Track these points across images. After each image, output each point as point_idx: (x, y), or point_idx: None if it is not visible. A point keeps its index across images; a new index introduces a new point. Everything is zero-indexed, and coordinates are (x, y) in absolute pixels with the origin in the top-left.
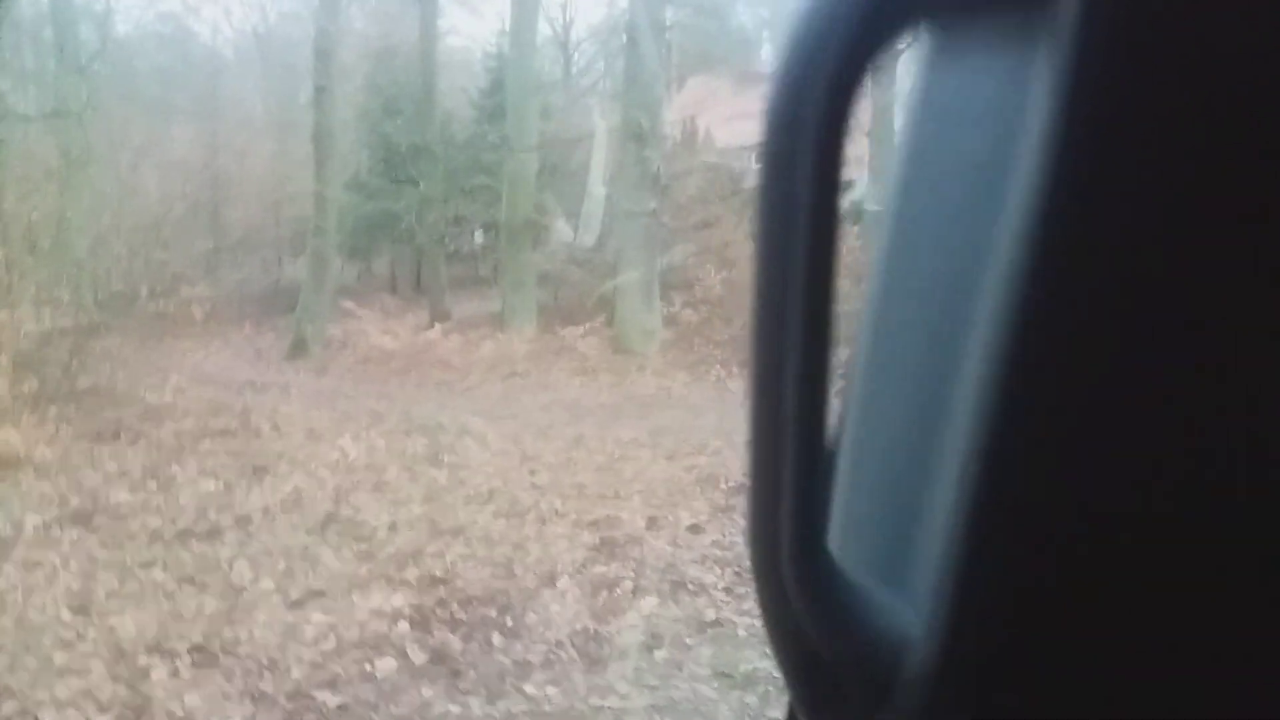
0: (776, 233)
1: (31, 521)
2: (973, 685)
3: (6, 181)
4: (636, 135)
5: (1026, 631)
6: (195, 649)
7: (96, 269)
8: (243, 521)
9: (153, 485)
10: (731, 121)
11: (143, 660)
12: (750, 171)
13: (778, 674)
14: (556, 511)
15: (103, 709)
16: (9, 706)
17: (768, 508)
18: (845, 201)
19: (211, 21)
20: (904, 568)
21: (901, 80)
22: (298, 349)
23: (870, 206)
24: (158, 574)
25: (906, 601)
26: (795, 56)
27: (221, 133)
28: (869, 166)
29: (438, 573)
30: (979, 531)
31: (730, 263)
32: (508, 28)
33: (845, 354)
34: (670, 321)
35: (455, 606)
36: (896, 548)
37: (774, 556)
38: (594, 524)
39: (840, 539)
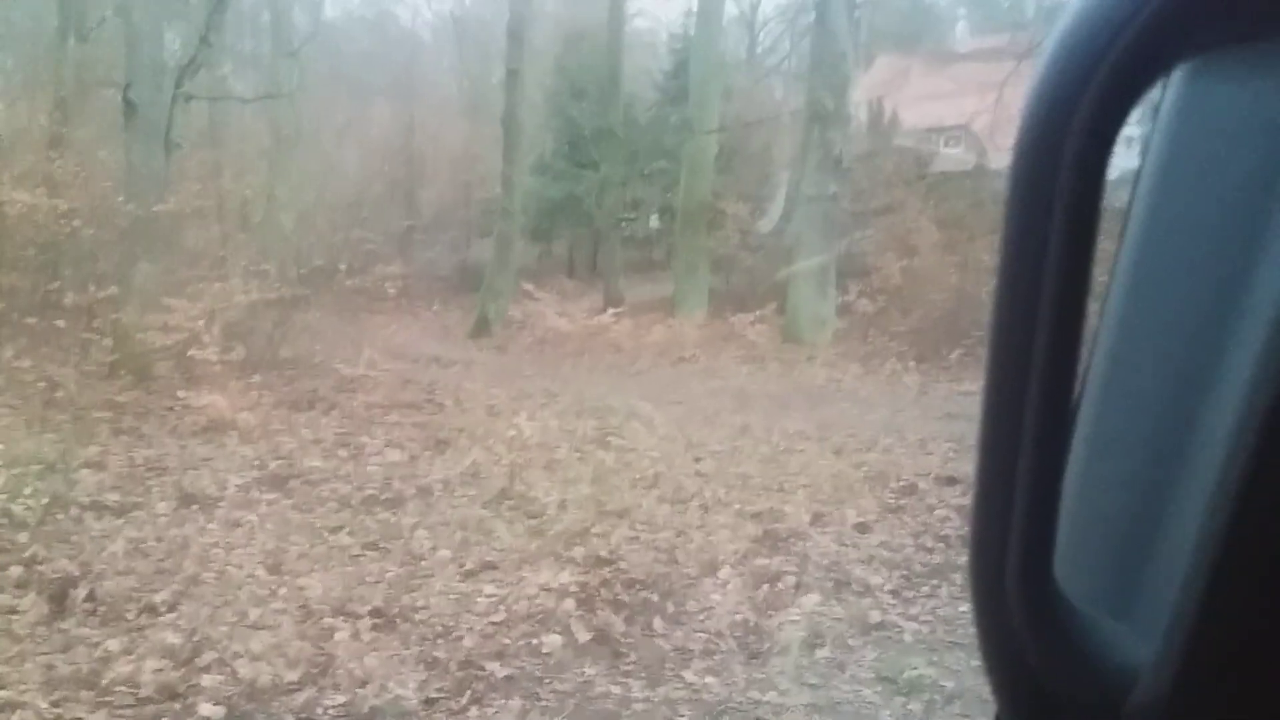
0: (1023, 267)
1: (234, 482)
2: (1202, 715)
3: (224, 160)
4: (820, 116)
5: (1262, 673)
6: (375, 613)
7: (300, 244)
8: (424, 492)
9: (343, 453)
10: (920, 103)
11: (327, 621)
12: (937, 155)
13: (943, 683)
14: (720, 500)
15: (291, 665)
16: (208, 656)
17: (995, 532)
18: None
19: (412, 5)
20: (1131, 598)
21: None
22: (481, 327)
23: None
24: (344, 538)
25: (1133, 632)
26: (1052, 90)
27: (417, 114)
28: None
29: (603, 553)
30: (1225, 570)
31: (911, 250)
32: (694, 8)
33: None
34: (845, 311)
35: (619, 588)
36: (1123, 578)
37: (998, 580)
38: (757, 516)
39: (1063, 566)
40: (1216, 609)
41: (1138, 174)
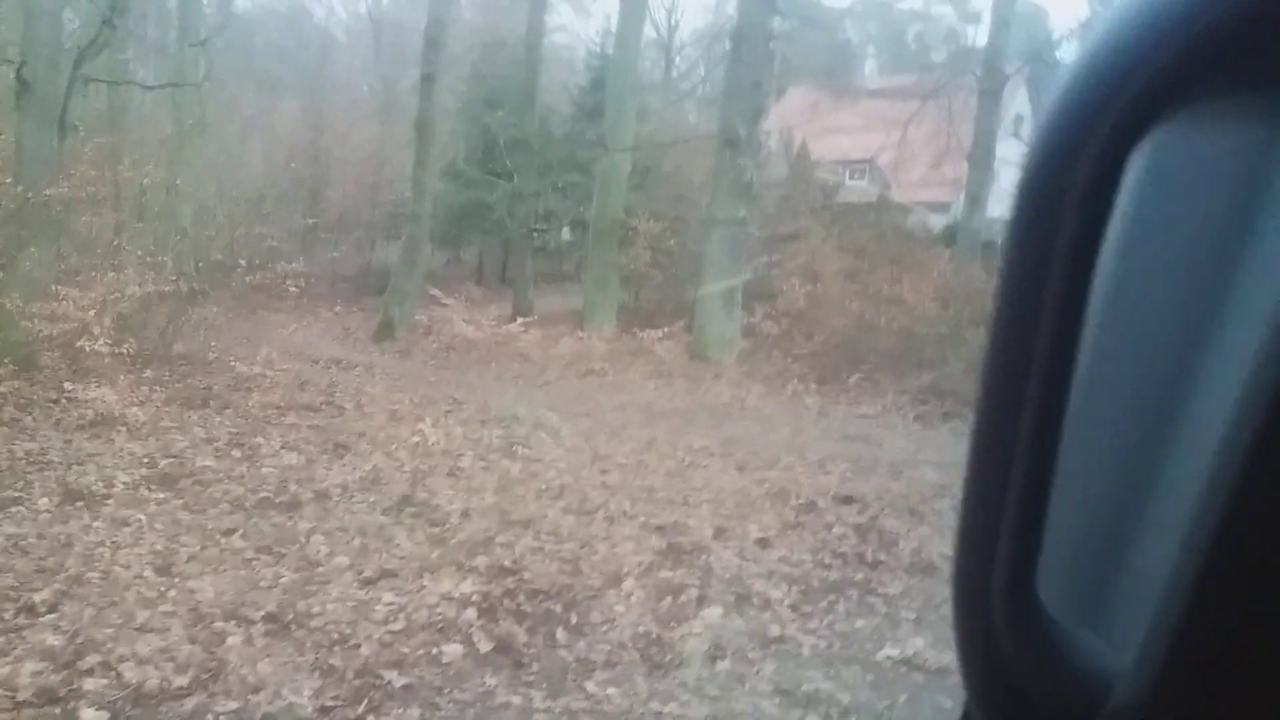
0: (1021, 298)
1: (122, 479)
2: None
3: (123, 146)
4: (732, 142)
5: (1238, 685)
6: (269, 618)
7: (199, 237)
8: (321, 496)
9: (237, 454)
10: (828, 135)
11: (219, 625)
12: (842, 186)
13: (839, 696)
14: (625, 513)
15: (180, 669)
16: (92, 659)
17: (982, 545)
18: (943, 222)
19: (326, 3)
20: (1107, 609)
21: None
22: (384, 331)
23: (966, 229)
24: (238, 541)
25: (1110, 642)
26: (1057, 136)
27: (327, 112)
28: (966, 190)
29: (506, 563)
30: (1205, 584)
31: (816, 277)
32: (613, 28)
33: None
34: (750, 331)
35: (522, 598)
36: (1099, 589)
37: (983, 591)
38: (661, 529)
39: (1042, 578)
40: (1195, 621)
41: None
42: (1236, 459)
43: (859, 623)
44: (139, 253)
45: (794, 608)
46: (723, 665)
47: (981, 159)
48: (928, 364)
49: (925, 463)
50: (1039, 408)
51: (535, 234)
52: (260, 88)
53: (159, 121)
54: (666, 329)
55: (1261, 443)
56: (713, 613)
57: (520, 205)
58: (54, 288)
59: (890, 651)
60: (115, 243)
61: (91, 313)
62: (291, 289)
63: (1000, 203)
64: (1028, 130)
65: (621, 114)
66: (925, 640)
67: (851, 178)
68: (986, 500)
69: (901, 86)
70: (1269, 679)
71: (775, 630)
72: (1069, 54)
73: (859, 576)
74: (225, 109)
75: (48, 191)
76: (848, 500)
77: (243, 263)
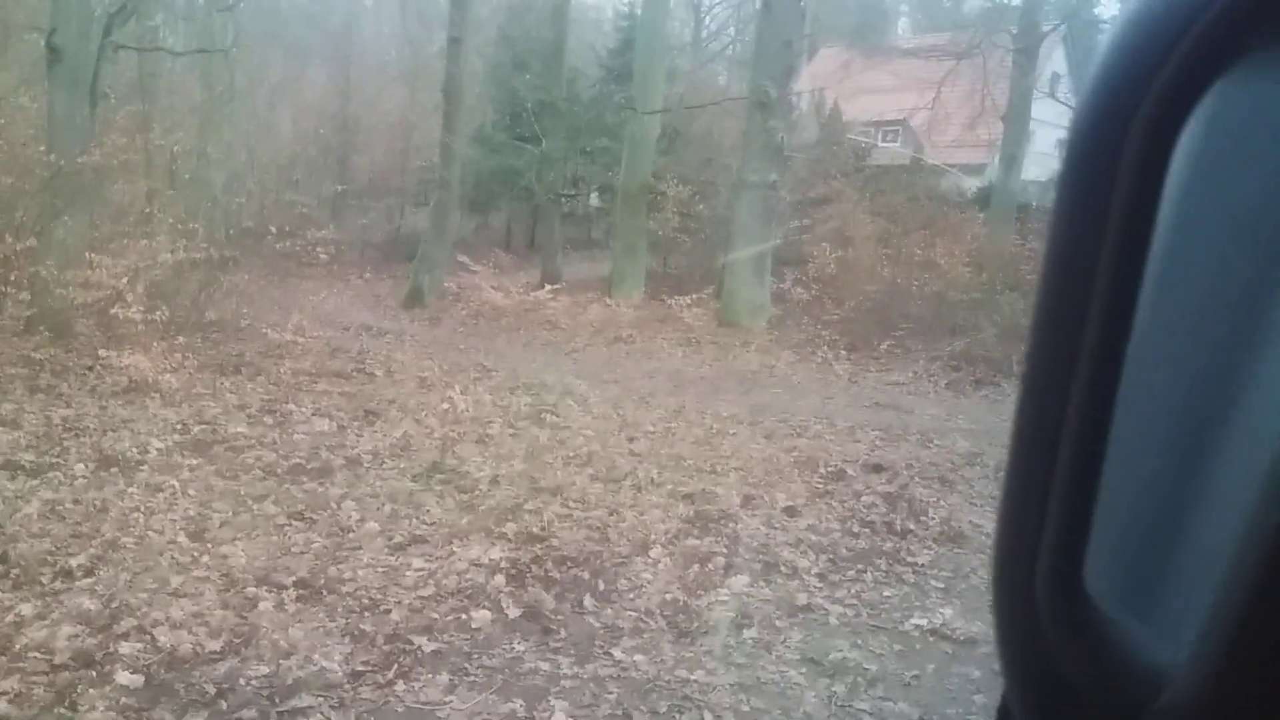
0: (1074, 266)
1: (155, 446)
2: None
3: (153, 114)
4: (763, 104)
5: None
6: (301, 584)
7: (230, 204)
8: (352, 463)
9: (269, 421)
10: (861, 95)
11: (251, 590)
12: (875, 148)
13: (866, 666)
14: (653, 480)
15: (213, 634)
16: (127, 623)
17: (1026, 532)
18: (978, 184)
19: None
20: (1160, 602)
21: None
22: (414, 298)
23: (1001, 191)
24: (270, 507)
25: (1162, 635)
26: (1116, 81)
27: (355, 77)
28: (1000, 152)
29: (535, 530)
30: (1267, 576)
31: (847, 241)
32: None
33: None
34: (780, 298)
35: (550, 564)
36: (1151, 581)
37: (1027, 581)
38: (689, 497)
39: (1090, 567)
40: (1257, 614)
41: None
42: None
43: (887, 592)
44: (170, 220)
45: (821, 576)
46: (749, 633)
47: (1017, 120)
48: (960, 330)
49: (956, 430)
50: (1088, 386)
51: (563, 200)
52: (289, 53)
53: (188, 88)
54: (695, 295)
55: None
56: (740, 581)
57: (548, 170)
58: (87, 255)
59: (918, 621)
60: (147, 210)
61: (124, 280)
62: (322, 256)
63: (1036, 164)
64: (1064, 90)
65: (650, 76)
66: (953, 610)
67: (884, 139)
68: (1031, 483)
69: (935, 45)
70: None
71: (803, 599)
72: (1110, 9)
73: (888, 545)
74: (254, 75)
75: (81, 159)
76: (877, 468)
77: (273, 230)
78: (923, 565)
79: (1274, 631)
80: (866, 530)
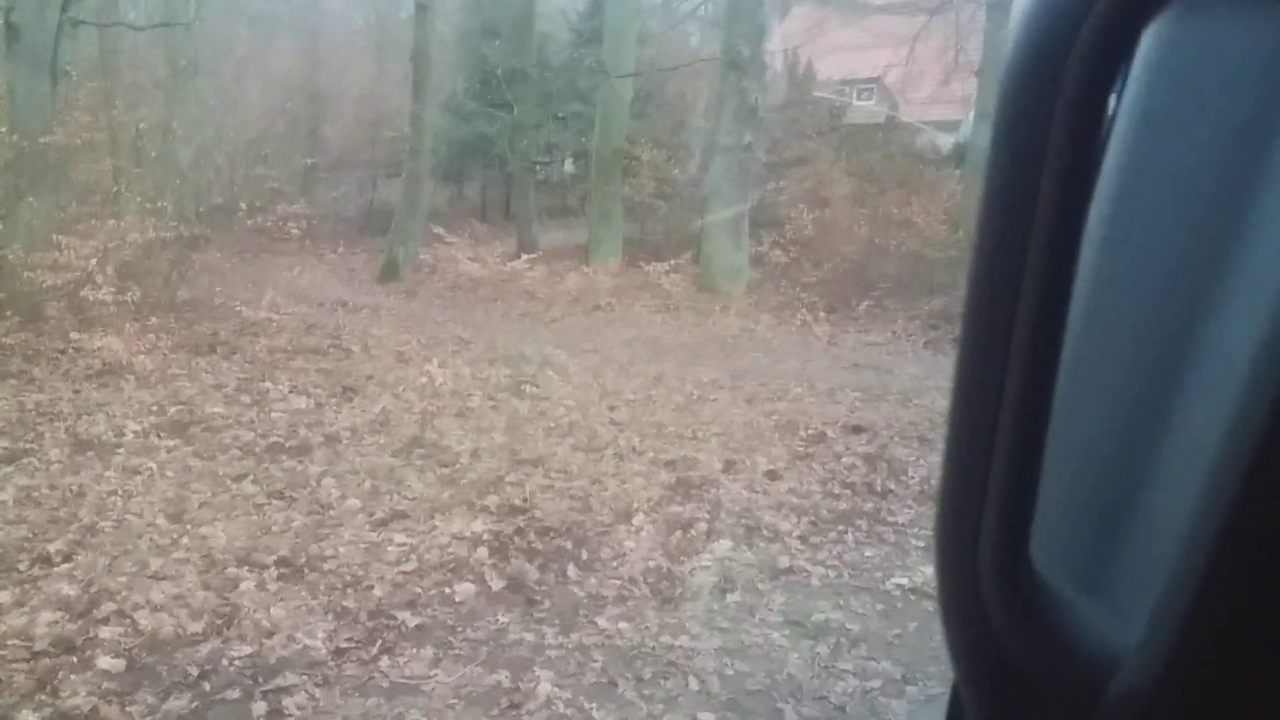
0: (1010, 221)
1: (131, 428)
2: (1192, 705)
3: (116, 90)
4: (736, 65)
5: (1254, 661)
6: (282, 562)
7: (199, 181)
8: (331, 440)
9: (246, 400)
10: (834, 54)
11: (232, 570)
12: (850, 107)
13: (849, 626)
14: (634, 449)
15: (194, 616)
16: (107, 608)
17: (967, 507)
18: (953, 141)
19: None
20: (1111, 580)
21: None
22: (389, 271)
23: (976, 147)
24: (249, 487)
25: (1113, 615)
26: (1048, 20)
27: (322, 49)
28: (975, 107)
29: (517, 502)
30: (1223, 553)
31: (823, 202)
32: None
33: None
34: (758, 261)
35: (533, 536)
36: (1102, 558)
37: (969, 559)
38: (671, 464)
39: (1038, 544)
40: (1211, 593)
41: (1109, 123)
42: (1262, 405)
43: (868, 552)
44: (138, 199)
45: (803, 539)
46: (733, 597)
47: (991, 74)
48: (938, 288)
49: (935, 389)
50: (1029, 345)
51: (537, 167)
52: (253, 25)
53: (152, 64)
54: (673, 261)
55: (1276, 404)
56: (722, 546)
57: (521, 138)
58: (55, 237)
59: (900, 580)
60: (114, 189)
61: (94, 261)
62: (294, 231)
63: None
64: None
65: (621, 39)
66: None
67: (859, 98)
68: (972, 450)
69: (908, 1)
70: None
71: (785, 561)
72: None
73: (868, 506)
74: (219, 49)
75: (43, 139)
76: (857, 430)
77: (243, 205)
78: (903, 525)
79: (1228, 610)
80: (847, 491)
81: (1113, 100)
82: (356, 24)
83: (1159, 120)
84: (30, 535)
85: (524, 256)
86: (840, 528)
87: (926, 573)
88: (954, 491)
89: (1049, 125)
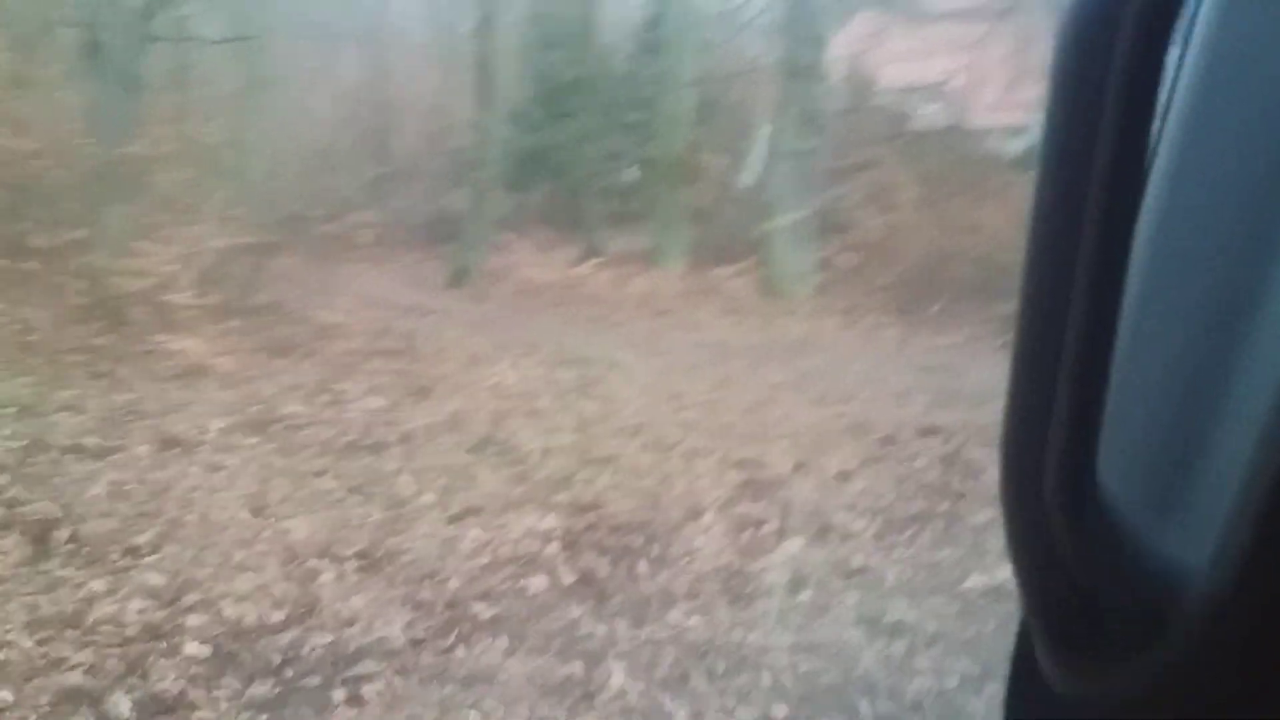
0: (1069, 158)
1: (214, 426)
2: (1261, 624)
3: (192, 103)
4: (798, 72)
5: None
6: (360, 555)
7: (272, 190)
8: (406, 438)
9: (323, 399)
10: (897, 60)
11: (312, 563)
12: (914, 113)
13: (924, 626)
14: (702, 449)
15: (277, 605)
16: (193, 596)
17: (1033, 427)
18: (1021, 146)
19: None
20: (1180, 500)
21: None
22: (458, 277)
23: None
24: (328, 483)
25: (1182, 534)
26: None
27: (389, 60)
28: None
29: (587, 499)
30: None
31: (890, 207)
32: None
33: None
34: (825, 265)
35: (604, 532)
36: (1171, 479)
37: (1035, 480)
38: (739, 464)
39: (1105, 463)
40: (1277, 508)
41: (1171, 84)
42: None
43: (944, 553)
44: (215, 207)
45: (877, 538)
46: (805, 596)
47: None
48: (1009, 292)
49: None
50: (1094, 264)
51: (601, 175)
52: (322, 39)
53: (226, 77)
54: (738, 266)
55: None
56: (793, 545)
57: (585, 146)
58: (137, 244)
59: (976, 581)
60: (191, 199)
61: (175, 266)
62: (365, 238)
63: None
64: None
65: (683, 47)
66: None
67: (923, 103)
68: (1037, 375)
69: (972, 6)
70: None
71: (858, 561)
72: None
73: (943, 507)
74: (289, 62)
75: (124, 150)
76: (930, 431)
77: (315, 213)
78: (980, 526)
79: None
80: (921, 492)
81: (1173, 63)
82: (422, 37)
83: (1221, 80)
84: (120, 527)
85: (589, 262)
86: (915, 528)
87: (1004, 574)
88: (1018, 415)
89: (1106, 78)
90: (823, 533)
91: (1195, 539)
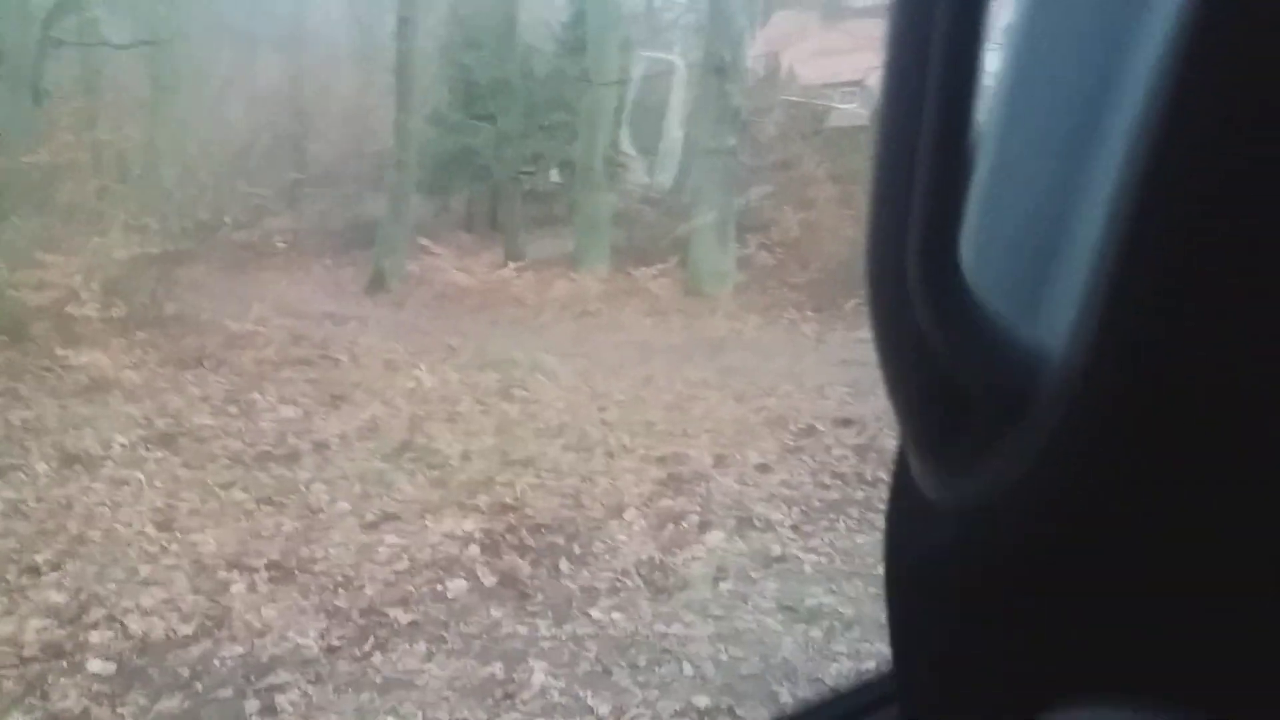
0: None
1: (119, 441)
2: (1115, 404)
3: (99, 110)
4: (718, 69)
5: (1178, 355)
6: (272, 565)
7: (183, 198)
8: (320, 447)
9: (234, 410)
10: (816, 57)
11: (222, 574)
12: (832, 110)
13: (842, 610)
14: (625, 447)
15: (185, 619)
16: (97, 613)
17: (896, 207)
18: None
19: None
20: (1044, 288)
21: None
22: (376, 283)
23: None
24: (238, 494)
25: (1042, 319)
26: None
27: (306, 63)
28: None
29: (508, 500)
30: (1135, 249)
31: (809, 204)
32: None
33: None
34: (745, 264)
35: (524, 533)
36: (1035, 266)
37: (898, 263)
38: (662, 460)
39: (969, 258)
40: (1124, 291)
41: None
42: (1150, 127)
43: (860, 539)
44: (123, 216)
45: (795, 528)
46: (725, 586)
47: None
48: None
49: None
50: (951, 42)
51: (523, 177)
52: (236, 42)
53: (135, 82)
54: (660, 266)
55: (1171, 109)
56: (715, 537)
57: (506, 148)
58: (39, 256)
59: None
60: (98, 207)
61: (78, 278)
62: (280, 245)
63: None
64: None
65: (604, 47)
66: None
67: (842, 101)
68: (898, 164)
69: (890, 2)
70: (1202, 356)
71: (777, 550)
72: None
73: (859, 495)
74: (202, 66)
75: (26, 159)
76: (846, 422)
77: (228, 220)
78: None
79: (1143, 306)
80: (838, 482)
81: None
82: (340, 39)
83: None
84: (18, 546)
85: (511, 265)
86: (831, 516)
87: None
88: (882, 188)
89: None
90: (743, 524)
91: (1057, 327)
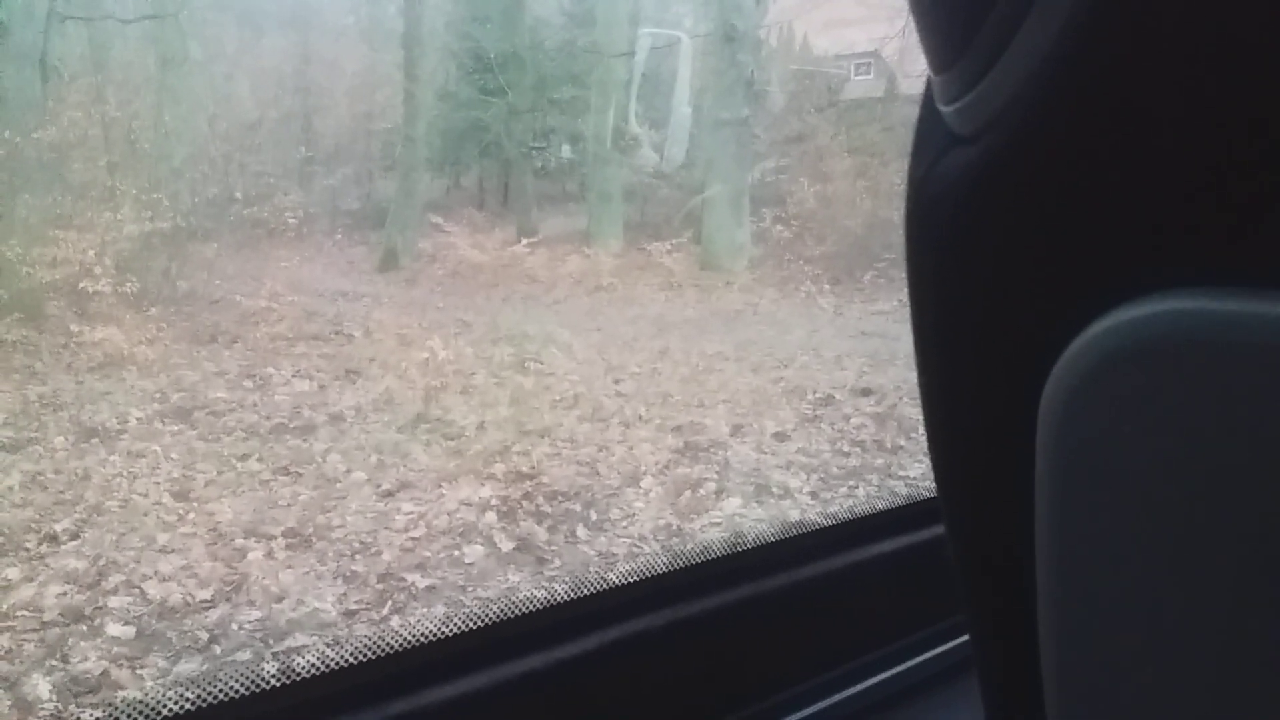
0: None
1: (135, 415)
2: None
3: (108, 86)
4: (731, 39)
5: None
6: (290, 533)
7: (193, 174)
8: (336, 419)
9: (249, 385)
10: (831, 28)
11: (239, 542)
12: (847, 81)
13: None
14: (640, 417)
15: (203, 584)
16: (115, 579)
17: None
18: None
19: None
20: None
21: None
22: (388, 260)
23: None
24: (254, 465)
25: None
26: None
27: (313, 40)
28: None
29: (524, 469)
30: None
31: (825, 176)
32: None
33: None
34: (760, 237)
35: (541, 500)
36: None
37: None
38: (678, 429)
39: None
40: None
41: None
42: None
43: (880, 506)
44: (134, 192)
45: (814, 494)
46: None
47: None
48: None
49: None
50: None
51: (534, 152)
52: (242, 18)
53: (143, 58)
54: (674, 240)
55: None
56: (732, 503)
57: (516, 123)
58: (51, 233)
59: None
60: (109, 183)
61: (91, 254)
62: (291, 222)
63: None
64: None
65: (614, 18)
66: None
67: (856, 72)
68: None
69: None
70: None
71: (795, 516)
72: None
73: (879, 462)
74: (209, 43)
75: (36, 136)
76: (865, 392)
77: (238, 196)
78: (915, 478)
79: None
80: (857, 449)
81: None
82: (347, 15)
83: None
84: (37, 516)
85: (524, 241)
86: (850, 483)
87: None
88: None
89: None
90: (761, 490)
91: None
